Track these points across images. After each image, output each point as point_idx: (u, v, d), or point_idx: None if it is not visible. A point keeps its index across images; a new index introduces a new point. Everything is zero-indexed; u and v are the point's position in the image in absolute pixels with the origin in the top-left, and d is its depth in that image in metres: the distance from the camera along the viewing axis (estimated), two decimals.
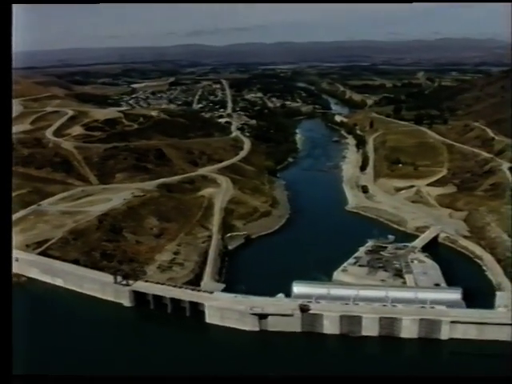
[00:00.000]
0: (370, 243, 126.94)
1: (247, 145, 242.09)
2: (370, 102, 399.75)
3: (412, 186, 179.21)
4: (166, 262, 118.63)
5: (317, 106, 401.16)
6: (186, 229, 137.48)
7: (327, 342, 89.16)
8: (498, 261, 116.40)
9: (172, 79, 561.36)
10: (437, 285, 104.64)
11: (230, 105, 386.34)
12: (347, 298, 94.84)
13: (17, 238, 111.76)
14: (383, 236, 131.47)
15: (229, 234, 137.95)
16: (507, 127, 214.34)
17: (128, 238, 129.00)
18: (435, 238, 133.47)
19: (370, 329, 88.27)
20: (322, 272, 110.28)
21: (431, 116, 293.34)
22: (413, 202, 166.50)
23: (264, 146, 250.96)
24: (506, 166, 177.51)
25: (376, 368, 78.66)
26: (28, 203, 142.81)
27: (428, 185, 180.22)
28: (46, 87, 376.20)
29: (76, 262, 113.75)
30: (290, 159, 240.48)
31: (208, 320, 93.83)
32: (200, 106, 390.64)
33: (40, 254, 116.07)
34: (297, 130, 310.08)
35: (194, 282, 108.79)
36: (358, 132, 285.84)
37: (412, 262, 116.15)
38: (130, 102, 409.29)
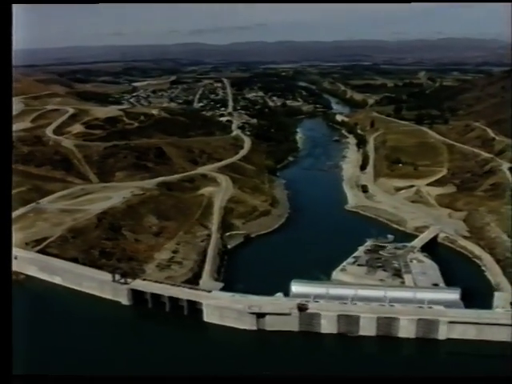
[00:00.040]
0: (369, 243, 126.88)
1: (247, 144, 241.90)
2: (370, 101, 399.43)
3: (412, 186, 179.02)
4: (164, 260, 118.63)
5: (318, 106, 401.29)
6: (185, 227, 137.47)
7: (325, 341, 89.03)
8: (497, 261, 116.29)
9: (173, 78, 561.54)
10: (435, 285, 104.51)
11: (230, 103, 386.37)
12: (346, 298, 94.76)
13: (16, 236, 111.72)
14: (382, 235, 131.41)
15: (228, 233, 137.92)
16: (508, 127, 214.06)
17: (127, 236, 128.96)
18: (434, 238, 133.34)
19: (367, 328, 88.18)
20: (320, 271, 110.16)
21: (432, 116, 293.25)
22: (412, 201, 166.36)
23: (264, 145, 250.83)
24: (506, 166, 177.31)
25: (373, 368, 78.58)
26: (27, 201, 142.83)
27: (428, 185, 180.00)
28: (46, 85, 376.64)
29: (75, 260, 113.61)
30: (291, 158, 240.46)
31: (206, 319, 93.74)
32: (201, 104, 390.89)
33: (39, 251, 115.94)
34: (297, 129, 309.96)
35: (193, 281, 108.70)
36: (359, 131, 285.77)
37: (411, 261, 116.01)
38: (131, 100, 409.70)
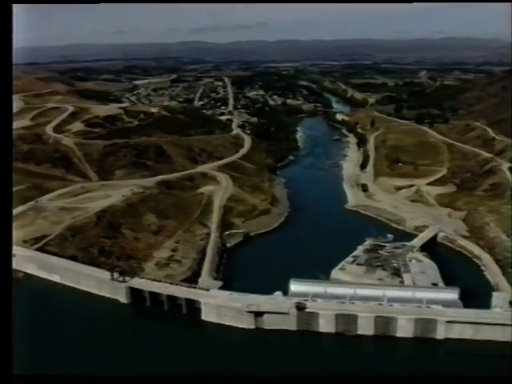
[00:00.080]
0: (368, 242, 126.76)
1: (248, 142, 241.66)
2: (371, 100, 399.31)
3: (412, 185, 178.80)
4: (163, 258, 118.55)
5: (318, 105, 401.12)
6: (184, 226, 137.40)
7: (323, 340, 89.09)
8: (497, 261, 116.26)
9: (174, 76, 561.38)
10: (434, 284, 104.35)
11: (231, 102, 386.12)
12: (344, 297, 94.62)
13: (15, 234, 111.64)
14: (382, 235, 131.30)
15: (227, 232, 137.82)
16: (508, 127, 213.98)
17: (126, 234, 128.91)
18: (434, 238, 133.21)
19: (365, 328, 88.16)
20: (320, 270, 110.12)
21: (432, 115, 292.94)
22: (412, 201, 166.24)
23: (264, 144, 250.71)
24: (506, 165, 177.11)
25: (371, 367, 78.62)
26: (27, 199, 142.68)
27: (428, 184, 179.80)
28: (47, 83, 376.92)
29: (74, 258, 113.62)
30: (291, 157, 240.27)
31: (204, 317, 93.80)
32: (201, 103, 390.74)
33: (38, 249, 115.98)
34: (298, 128, 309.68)
35: (192, 280, 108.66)
36: (359, 130, 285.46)
37: (410, 261, 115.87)
38: (132, 98, 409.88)
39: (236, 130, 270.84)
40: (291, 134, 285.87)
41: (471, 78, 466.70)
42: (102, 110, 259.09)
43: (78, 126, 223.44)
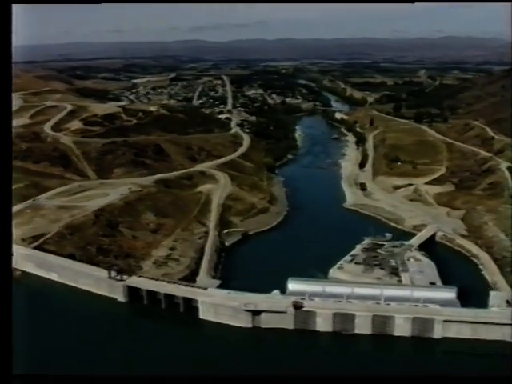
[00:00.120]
0: (366, 241, 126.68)
1: (246, 141, 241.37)
2: (370, 99, 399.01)
3: (410, 184, 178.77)
4: (161, 257, 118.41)
5: (317, 103, 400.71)
6: (182, 224, 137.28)
7: (320, 339, 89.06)
8: (495, 260, 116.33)
9: (173, 75, 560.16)
10: (432, 283, 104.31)
11: (230, 101, 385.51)
12: (342, 296, 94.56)
13: (13, 232, 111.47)
14: (380, 234, 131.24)
15: (226, 231, 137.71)
16: (507, 126, 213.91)
17: (124, 233, 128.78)
18: (432, 237, 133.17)
19: (362, 327, 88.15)
20: (318, 269, 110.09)
21: (431, 114, 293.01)
22: (411, 200, 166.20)
23: (263, 143, 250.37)
24: (504, 165, 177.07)
25: (368, 366, 78.62)
26: (25, 197, 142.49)
27: (426, 183, 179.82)
28: (46, 81, 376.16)
29: (72, 256, 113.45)
30: (290, 156, 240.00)
31: (201, 316, 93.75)
32: (200, 101, 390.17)
33: (36, 248, 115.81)
34: (297, 127, 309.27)
35: (190, 278, 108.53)
36: (358, 129, 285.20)
37: (408, 260, 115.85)
38: (131, 97, 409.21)
39: (235, 129, 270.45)
40: (290, 133, 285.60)
41: (470, 78, 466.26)
42: (100, 108, 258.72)
43: (76, 124, 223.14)
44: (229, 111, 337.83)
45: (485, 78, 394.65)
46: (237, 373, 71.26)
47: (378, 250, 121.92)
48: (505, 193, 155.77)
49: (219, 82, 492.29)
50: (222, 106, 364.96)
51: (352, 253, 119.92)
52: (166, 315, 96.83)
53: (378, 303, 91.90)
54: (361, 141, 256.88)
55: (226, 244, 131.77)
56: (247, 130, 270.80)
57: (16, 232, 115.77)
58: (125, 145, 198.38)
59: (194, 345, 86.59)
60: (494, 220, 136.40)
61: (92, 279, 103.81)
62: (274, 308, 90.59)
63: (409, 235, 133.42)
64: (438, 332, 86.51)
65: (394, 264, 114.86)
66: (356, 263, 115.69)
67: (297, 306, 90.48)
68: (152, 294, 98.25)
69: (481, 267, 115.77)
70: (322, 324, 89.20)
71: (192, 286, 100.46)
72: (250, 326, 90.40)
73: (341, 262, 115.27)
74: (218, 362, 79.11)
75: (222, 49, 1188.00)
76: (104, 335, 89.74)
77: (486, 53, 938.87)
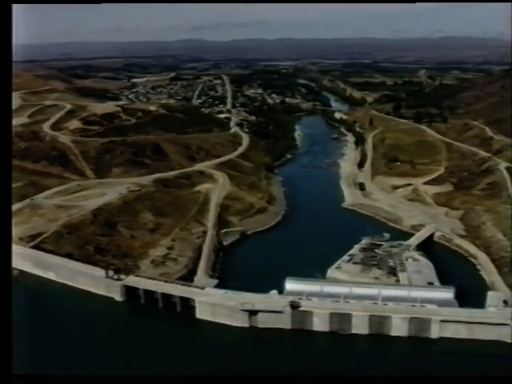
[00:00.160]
0: (365, 241, 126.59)
1: (246, 141, 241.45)
2: (370, 99, 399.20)
3: (409, 184, 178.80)
4: (159, 257, 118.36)
5: (317, 103, 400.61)
6: (180, 224, 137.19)
7: (317, 339, 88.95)
8: (493, 260, 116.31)
9: (173, 74, 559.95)
10: (430, 283, 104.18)
11: (229, 100, 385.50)
12: (339, 296, 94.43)
13: None
14: (379, 234, 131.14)
15: (224, 230, 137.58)
16: (506, 126, 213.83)
17: (122, 232, 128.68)
18: (430, 237, 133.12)
19: (360, 327, 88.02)
20: (316, 269, 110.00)
21: (431, 114, 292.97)
22: (409, 200, 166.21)
23: (263, 142, 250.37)
24: (503, 165, 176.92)
25: (365, 366, 78.57)
26: (24, 196, 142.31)
27: (425, 183, 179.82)
28: (46, 80, 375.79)
29: (69, 255, 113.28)
30: (289, 156, 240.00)
31: (198, 315, 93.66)
32: (200, 101, 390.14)
33: (33, 247, 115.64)
34: (296, 127, 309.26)
35: (188, 278, 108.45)
36: (358, 129, 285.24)
37: (406, 260, 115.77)
38: (130, 96, 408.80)
39: (234, 129, 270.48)
40: (289, 133, 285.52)
41: (470, 78, 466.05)
42: (99, 107, 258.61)
43: (75, 123, 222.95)
44: (228, 111, 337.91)
45: (484, 78, 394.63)
46: (233, 372, 71.18)
47: (376, 250, 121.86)
48: (503, 193, 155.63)
49: (219, 81, 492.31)
50: (221, 105, 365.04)
51: (350, 252, 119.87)
52: (163, 315, 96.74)
53: (375, 303, 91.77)
54: (360, 141, 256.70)
55: (224, 244, 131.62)
56: (246, 130, 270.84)
57: (14, 231, 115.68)
58: (123, 144, 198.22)
59: (191, 344, 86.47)
60: (493, 220, 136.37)
61: (89, 278, 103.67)
62: (270, 308, 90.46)
63: (407, 235, 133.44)
64: (434, 332, 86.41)
65: (391, 264, 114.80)
66: (354, 263, 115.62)
67: (294, 306, 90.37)
68: (149, 294, 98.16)
69: (479, 267, 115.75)
70: (319, 324, 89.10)
71: (189, 286, 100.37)
72: (246, 325, 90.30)
73: (339, 261, 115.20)
74: (214, 361, 79.04)
75: (222, 48, 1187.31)
76: (102, 335, 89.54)
77: (487, 53, 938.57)
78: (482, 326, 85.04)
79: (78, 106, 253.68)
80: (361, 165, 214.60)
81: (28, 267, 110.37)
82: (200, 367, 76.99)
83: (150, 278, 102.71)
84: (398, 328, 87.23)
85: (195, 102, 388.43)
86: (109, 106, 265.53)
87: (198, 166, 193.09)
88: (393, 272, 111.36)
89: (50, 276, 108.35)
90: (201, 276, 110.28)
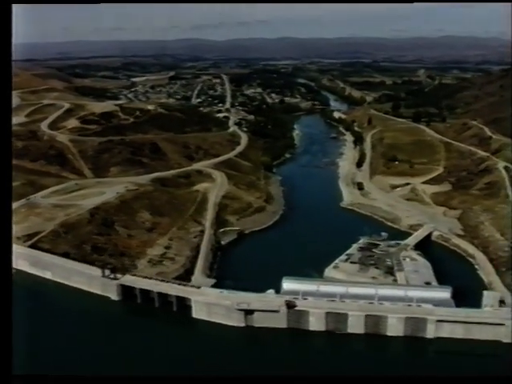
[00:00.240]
0: (362, 240, 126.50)
1: (244, 140, 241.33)
2: (369, 98, 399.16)
3: (407, 184, 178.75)
4: (156, 256, 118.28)
5: (316, 102, 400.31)
6: (178, 223, 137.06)
7: (313, 338, 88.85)
8: (491, 260, 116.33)
9: (172, 73, 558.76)
10: (428, 283, 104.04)
11: (228, 100, 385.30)
12: (335, 295, 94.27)
13: None
14: (376, 233, 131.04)
15: (222, 229, 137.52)
16: (505, 126, 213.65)
17: (120, 231, 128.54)
18: (428, 236, 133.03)
19: (355, 326, 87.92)
20: (313, 268, 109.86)
21: (430, 114, 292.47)
22: (408, 199, 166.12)
23: (261, 142, 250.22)
24: (501, 164, 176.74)
25: (361, 365, 78.48)
26: (22, 195, 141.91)
27: (423, 183, 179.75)
28: (45, 80, 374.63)
29: (66, 255, 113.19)
30: (287, 155, 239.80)
31: (194, 315, 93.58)
32: (199, 100, 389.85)
33: (30, 246, 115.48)
34: (295, 126, 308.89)
35: (185, 277, 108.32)
36: (356, 129, 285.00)
37: (404, 259, 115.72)
38: (129, 95, 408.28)
39: (233, 128, 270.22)
40: (288, 132, 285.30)
41: (469, 77, 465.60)
42: (97, 107, 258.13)
43: (73, 122, 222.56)
44: (227, 110, 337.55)
45: (483, 77, 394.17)
46: (229, 372, 71.18)
47: (374, 250, 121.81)
48: (502, 192, 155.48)
49: (218, 80, 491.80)
50: (220, 104, 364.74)
51: (347, 252, 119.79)
52: (160, 314, 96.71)
53: (371, 303, 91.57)
54: (359, 140, 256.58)
55: (222, 243, 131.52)
56: (245, 129, 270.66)
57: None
58: (121, 143, 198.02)
59: (187, 344, 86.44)
60: (491, 220, 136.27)
61: (86, 278, 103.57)
62: (266, 307, 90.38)
63: (405, 235, 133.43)
64: (430, 332, 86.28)
65: (389, 263, 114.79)
66: (351, 262, 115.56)
67: (290, 306, 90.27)
68: (145, 293, 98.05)
69: (476, 267, 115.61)
70: (315, 323, 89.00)
71: (185, 285, 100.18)
72: (242, 325, 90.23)
73: (336, 261, 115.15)
74: (210, 360, 78.99)
75: (221, 47, 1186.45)
76: (97, 334, 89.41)
77: (487, 52, 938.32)
78: (478, 326, 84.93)
79: (76, 105, 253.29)
80: (359, 164, 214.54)
81: (25, 266, 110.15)
82: (196, 366, 77.01)
83: (146, 277, 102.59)
84: (394, 328, 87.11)
85: (194, 101, 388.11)
86: (107, 105, 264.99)
87: (197, 166, 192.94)
88: (390, 271, 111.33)
89: (47, 275, 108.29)
90: (198, 275, 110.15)
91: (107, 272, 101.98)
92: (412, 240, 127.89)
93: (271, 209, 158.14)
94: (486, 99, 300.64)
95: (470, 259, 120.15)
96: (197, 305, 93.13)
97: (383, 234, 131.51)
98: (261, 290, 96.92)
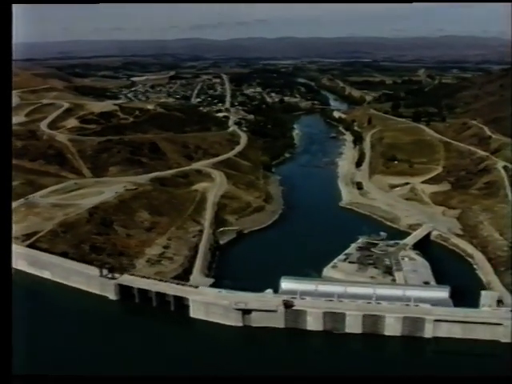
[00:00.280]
0: (361, 240, 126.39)
1: (243, 139, 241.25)
2: (369, 98, 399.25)
3: (407, 183, 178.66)
4: (155, 255, 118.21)
5: (315, 102, 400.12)
6: (177, 223, 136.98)
7: (310, 338, 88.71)
8: (489, 259, 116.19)
9: (172, 73, 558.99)
10: (426, 283, 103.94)
11: (228, 99, 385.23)
12: (333, 295, 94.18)
13: None
14: (375, 233, 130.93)
15: (221, 229, 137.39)
16: (505, 126, 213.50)
17: (118, 231, 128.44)
18: (427, 236, 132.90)
19: (353, 326, 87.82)
20: (312, 268, 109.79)
21: (429, 113, 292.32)
22: (407, 199, 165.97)
23: (261, 141, 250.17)
24: (501, 164, 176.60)
25: (359, 365, 78.40)
26: (20, 195, 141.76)
27: (423, 182, 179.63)
28: (45, 79, 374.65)
29: (65, 254, 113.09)
30: (287, 155, 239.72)
31: (192, 314, 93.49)
32: (199, 100, 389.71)
33: (29, 246, 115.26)
34: (294, 126, 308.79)
35: (183, 277, 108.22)
36: (356, 128, 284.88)
37: (402, 259, 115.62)
38: (129, 95, 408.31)
39: (232, 127, 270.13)
40: (288, 132, 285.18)
41: (469, 77, 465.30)
42: (97, 106, 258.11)
43: (72, 122, 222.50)
44: (227, 110, 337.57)
45: (483, 77, 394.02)
46: (227, 371, 71.22)
47: (373, 249, 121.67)
48: (501, 192, 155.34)
49: (218, 80, 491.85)
50: (220, 104, 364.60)
51: (346, 252, 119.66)
52: (157, 313, 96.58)
53: (368, 302, 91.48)
54: (358, 139, 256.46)
55: (221, 242, 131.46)
56: (245, 129, 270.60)
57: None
58: (120, 143, 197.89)
59: (185, 343, 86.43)
60: (490, 219, 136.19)
61: (84, 277, 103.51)
62: (264, 307, 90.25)
63: (404, 234, 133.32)
64: (428, 331, 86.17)
65: (388, 263, 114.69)
66: (350, 262, 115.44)
67: (287, 305, 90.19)
68: (143, 293, 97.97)
69: (475, 267, 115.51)
70: (313, 323, 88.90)
71: (183, 285, 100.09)
72: (240, 324, 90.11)
73: (335, 260, 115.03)
74: (208, 360, 78.87)
75: (221, 47, 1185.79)
76: (95, 334, 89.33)
77: (487, 52, 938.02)
78: (476, 326, 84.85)
79: (75, 105, 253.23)
80: (359, 164, 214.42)
81: (23, 266, 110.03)
82: (194, 366, 76.94)
83: (144, 276, 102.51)
84: (392, 327, 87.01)
85: (194, 100, 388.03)
86: (106, 105, 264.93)
87: (196, 165, 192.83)
88: (389, 271, 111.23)
89: (46, 275, 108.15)
90: (197, 275, 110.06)
91: (105, 272, 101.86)
92: (411, 240, 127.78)
93: (270, 208, 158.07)
94: (485, 99, 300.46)
95: (469, 259, 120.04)
96: (194, 304, 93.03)
97: (382, 233, 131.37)
98: (259, 289, 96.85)
